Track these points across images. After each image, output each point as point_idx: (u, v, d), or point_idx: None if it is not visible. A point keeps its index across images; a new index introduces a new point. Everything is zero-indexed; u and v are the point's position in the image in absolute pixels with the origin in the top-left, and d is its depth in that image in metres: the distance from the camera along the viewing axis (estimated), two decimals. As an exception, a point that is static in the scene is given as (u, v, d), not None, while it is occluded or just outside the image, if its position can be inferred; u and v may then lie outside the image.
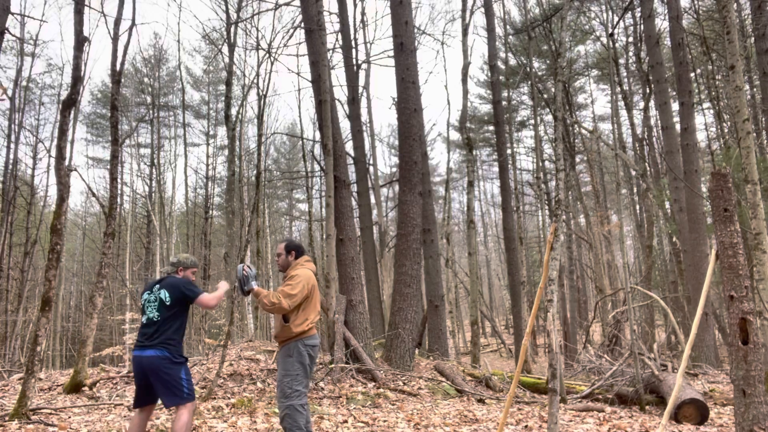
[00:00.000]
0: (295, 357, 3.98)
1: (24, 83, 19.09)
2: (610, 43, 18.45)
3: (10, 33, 8.25)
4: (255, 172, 22.19)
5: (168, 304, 3.97)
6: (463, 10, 15.40)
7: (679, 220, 12.48)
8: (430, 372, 9.07)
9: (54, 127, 21.05)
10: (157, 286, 4.08)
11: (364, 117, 17.90)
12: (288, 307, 3.91)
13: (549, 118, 23.99)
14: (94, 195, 9.54)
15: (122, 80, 8.11)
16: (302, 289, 3.98)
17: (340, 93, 26.86)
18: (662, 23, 16.95)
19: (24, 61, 18.91)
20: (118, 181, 9.80)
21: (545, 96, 22.08)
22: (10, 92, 17.84)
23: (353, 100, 13.87)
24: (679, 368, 4.05)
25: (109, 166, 10.04)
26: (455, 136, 28.50)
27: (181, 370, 3.91)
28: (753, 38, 13.05)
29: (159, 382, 3.86)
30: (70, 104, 6.54)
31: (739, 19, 15.21)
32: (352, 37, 14.39)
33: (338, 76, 47.25)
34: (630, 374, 7.88)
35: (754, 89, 15.70)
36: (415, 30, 12.96)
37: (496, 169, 31.27)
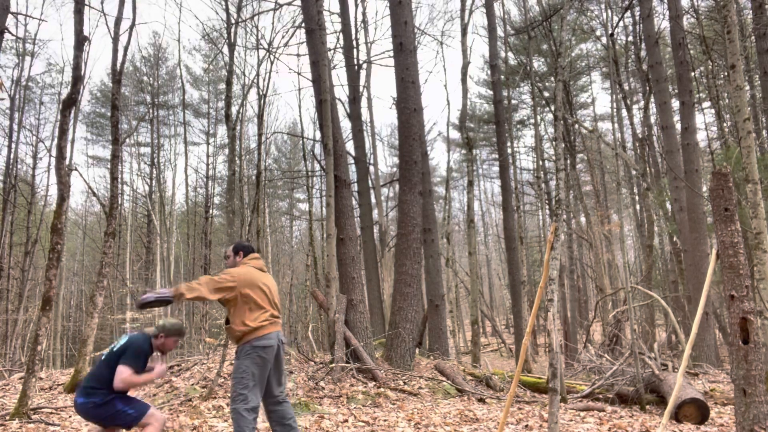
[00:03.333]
0: (243, 359, 3.86)
1: (24, 82, 19.11)
2: (610, 43, 18.45)
3: (10, 32, 8.25)
4: (255, 171, 22.20)
5: (116, 352, 3.84)
6: (462, 10, 15.41)
7: (680, 220, 12.48)
8: (430, 371, 9.07)
9: (54, 126, 21.05)
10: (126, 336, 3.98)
11: (365, 116, 17.91)
12: (208, 293, 3.74)
13: (549, 117, 23.98)
14: (94, 194, 9.55)
15: (122, 79, 8.10)
16: (224, 281, 3.82)
17: (341, 92, 26.90)
18: (662, 22, 16.96)
19: (24, 60, 18.93)
20: (119, 180, 9.80)
21: (546, 95, 22.08)
22: (10, 92, 17.85)
23: (354, 100, 13.87)
24: (680, 368, 4.05)
25: (109, 166, 10.05)
26: (455, 135, 28.50)
27: (116, 404, 3.77)
28: (753, 38, 13.05)
29: (104, 421, 3.82)
30: (70, 104, 6.54)
31: (739, 19, 15.20)
32: (353, 36, 14.39)
33: (339, 76, 47.28)
34: (630, 374, 7.89)
35: (755, 89, 15.69)
36: (415, 30, 12.95)
37: (496, 168, 31.28)
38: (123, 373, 3.71)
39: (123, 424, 3.82)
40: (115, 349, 3.86)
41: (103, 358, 3.89)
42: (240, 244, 4.25)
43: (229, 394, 3.92)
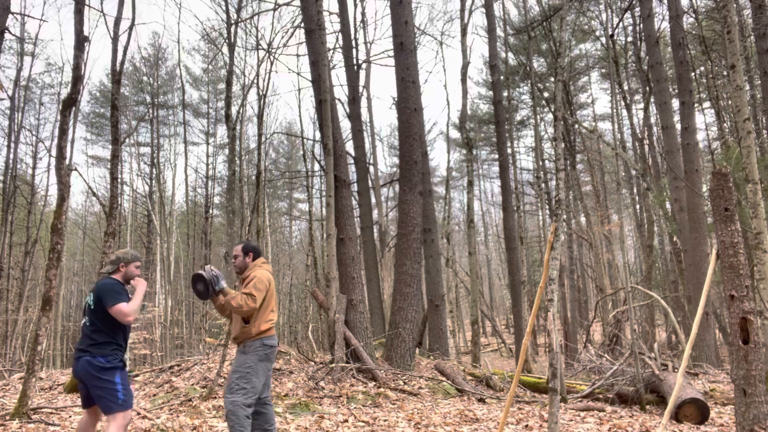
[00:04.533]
0: (251, 354, 3.96)
1: (24, 83, 19.11)
2: (610, 43, 18.45)
3: (10, 32, 8.24)
4: (255, 171, 22.22)
5: (92, 309, 3.82)
6: (462, 10, 15.41)
7: (680, 220, 12.47)
8: (430, 371, 9.07)
9: (54, 126, 21.05)
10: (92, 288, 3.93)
11: (365, 116, 17.92)
12: (253, 309, 3.94)
13: (549, 117, 23.98)
14: (94, 194, 9.55)
15: (122, 80, 8.11)
16: (263, 289, 4.01)
17: (341, 92, 26.89)
18: (661, 23, 16.96)
19: (24, 60, 18.93)
20: (119, 180, 9.81)
21: (545, 95, 22.07)
22: (10, 92, 17.84)
23: (353, 100, 13.86)
24: (680, 368, 4.05)
25: (109, 166, 10.05)
26: (455, 135, 28.51)
27: (115, 376, 3.74)
28: (753, 38, 13.04)
29: (93, 388, 3.71)
30: (70, 104, 6.54)
31: (739, 19, 15.20)
32: (352, 37, 14.39)
33: (338, 76, 47.24)
34: (630, 374, 7.89)
35: (755, 88, 15.69)
36: (415, 30, 12.95)
37: (496, 168, 31.29)
38: (121, 309, 3.74)
39: (107, 401, 3.69)
40: (92, 306, 3.82)
41: (86, 323, 3.84)
42: (250, 244, 4.29)
43: (227, 388, 3.91)
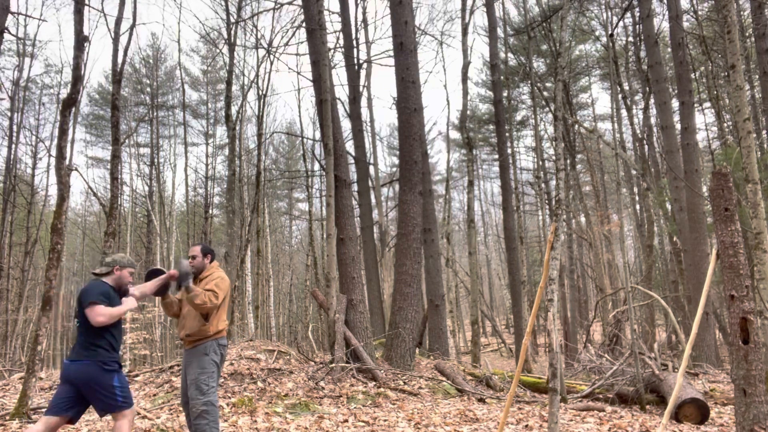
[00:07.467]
0: (211, 355, 4.19)
1: (23, 83, 19.10)
2: (610, 43, 18.45)
3: (10, 32, 8.25)
4: (255, 171, 22.21)
5: (78, 309, 3.79)
6: (463, 10, 15.41)
7: (680, 220, 12.48)
8: (430, 371, 9.07)
9: (54, 127, 21.08)
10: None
11: (365, 116, 17.90)
12: (215, 306, 4.13)
13: (549, 117, 23.99)
14: (94, 194, 9.56)
15: (121, 80, 8.11)
16: (225, 289, 4.23)
17: (341, 92, 26.91)
18: (661, 23, 16.98)
19: (24, 61, 18.92)
20: (119, 180, 9.82)
21: (545, 95, 22.07)
22: (10, 92, 17.85)
23: (354, 100, 13.86)
24: (680, 368, 4.05)
25: (109, 166, 10.06)
26: (455, 135, 28.52)
27: (113, 378, 3.72)
28: (753, 38, 13.04)
29: (91, 391, 3.66)
30: (70, 103, 6.54)
31: (738, 19, 15.20)
32: (353, 36, 14.39)
33: (339, 75, 47.24)
34: (630, 374, 7.89)
35: (754, 89, 15.69)
36: (415, 30, 12.95)
37: (496, 168, 31.28)
38: (96, 309, 3.65)
39: (105, 403, 3.67)
40: (77, 307, 3.80)
41: (76, 324, 3.81)
42: (209, 247, 4.49)
43: (197, 390, 4.08)
